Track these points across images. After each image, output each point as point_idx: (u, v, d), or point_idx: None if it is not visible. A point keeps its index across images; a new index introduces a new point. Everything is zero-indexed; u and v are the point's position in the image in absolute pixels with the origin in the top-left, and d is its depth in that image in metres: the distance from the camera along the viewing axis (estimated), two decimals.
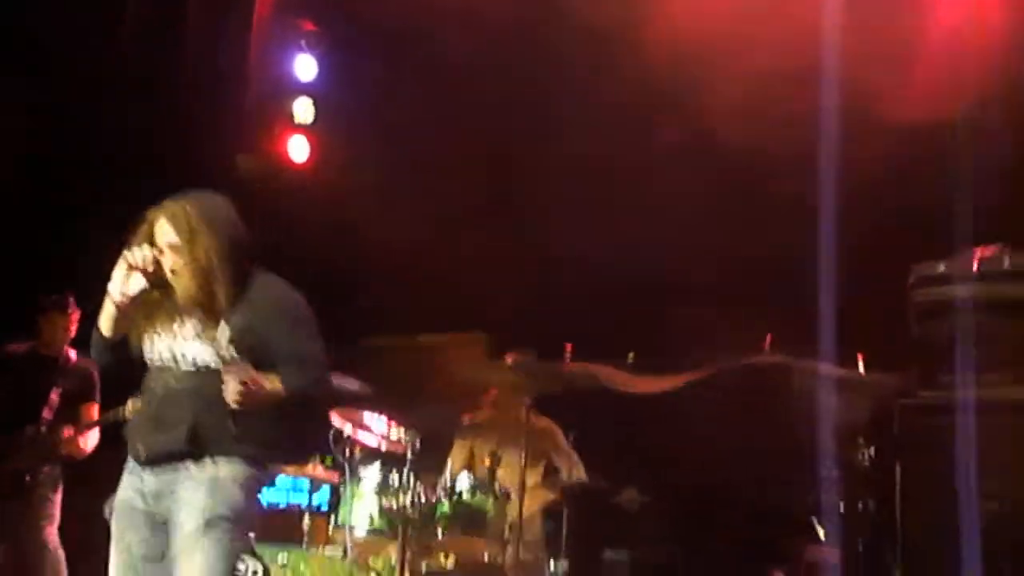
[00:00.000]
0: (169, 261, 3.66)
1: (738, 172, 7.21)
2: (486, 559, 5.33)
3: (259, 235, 3.92)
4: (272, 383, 3.61)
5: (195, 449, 3.58)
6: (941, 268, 5.08)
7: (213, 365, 3.62)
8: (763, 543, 6.34)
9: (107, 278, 3.68)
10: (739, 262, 7.11)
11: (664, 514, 6.46)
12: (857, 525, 6.12)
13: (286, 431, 3.80)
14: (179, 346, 3.68)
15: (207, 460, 3.58)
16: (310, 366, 3.71)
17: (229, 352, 3.62)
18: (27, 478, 5.97)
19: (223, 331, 3.64)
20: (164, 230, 3.68)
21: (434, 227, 7.99)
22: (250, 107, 9.03)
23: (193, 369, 3.65)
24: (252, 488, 3.69)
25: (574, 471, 5.99)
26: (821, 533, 6.23)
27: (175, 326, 3.70)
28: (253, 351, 3.64)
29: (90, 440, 6.19)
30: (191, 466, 3.58)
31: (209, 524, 3.53)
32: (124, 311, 3.68)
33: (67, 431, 6.09)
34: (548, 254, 7.75)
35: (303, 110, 9.14)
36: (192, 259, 3.65)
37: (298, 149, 9.21)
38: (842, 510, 6.19)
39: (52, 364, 6.29)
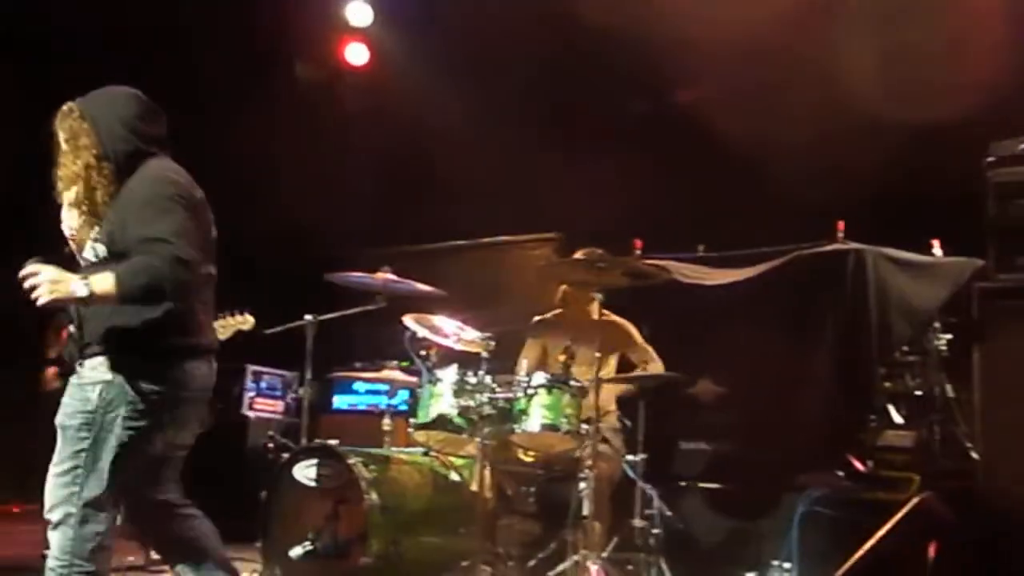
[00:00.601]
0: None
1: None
2: (564, 453, 5.40)
3: (160, 127, 3.81)
4: (98, 282, 3.45)
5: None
6: (1021, 146, 4.94)
7: (92, 262, 3.61)
8: (838, 429, 6.34)
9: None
10: (804, 148, 7.00)
11: (739, 404, 6.47)
12: (933, 409, 6.11)
13: (135, 325, 3.58)
14: (87, 251, 3.67)
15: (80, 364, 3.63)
16: (151, 247, 3.47)
17: (98, 250, 3.60)
18: None
19: (102, 229, 3.61)
20: (57, 137, 3.66)
21: (497, 126, 7.95)
22: (305, 12, 8.99)
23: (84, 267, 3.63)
24: (105, 390, 3.56)
25: (650, 365, 6.02)
26: (897, 417, 6.23)
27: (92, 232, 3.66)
28: (115, 244, 3.56)
29: None
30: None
31: (63, 428, 3.57)
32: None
33: None
34: (612, 154, 7.68)
35: (358, 13, 9.09)
36: (74, 160, 3.61)
37: (356, 53, 9.18)
38: (918, 394, 6.18)
39: None
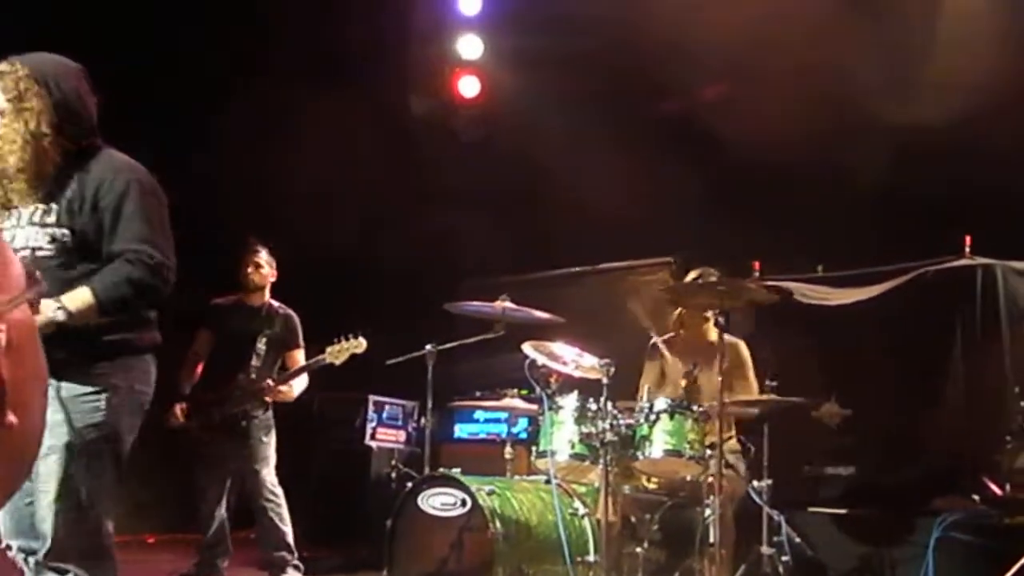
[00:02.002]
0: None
1: None
2: (688, 479, 5.34)
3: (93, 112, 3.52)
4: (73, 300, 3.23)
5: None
6: None
7: (48, 251, 3.34)
8: (972, 451, 6.14)
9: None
10: (927, 162, 6.84)
11: (866, 427, 6.31)
12: None
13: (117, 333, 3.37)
14: (19, 232, 3.37)
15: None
16: (137, 255, 3.30)
17: (56, 234, 3.33)
18: (242, 423, 6.27)
19: (52, 211, 3.34)
20: None
21: (607, 153, 7.95)
22: (416, 46, 9.16)
23: (29, 255, 3.32)
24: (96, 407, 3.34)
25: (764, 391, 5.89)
26: None
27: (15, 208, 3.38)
28: (84, 232, 3.34)
29: (297, 385, 6.45)
30: None
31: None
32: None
33: (270, 381, 6.33)
34: (730, 174, 7.62)
35: (469, 46, 9.21)
36: (19, 124, 3.32)
37: (468, 85, 9.30)
38: None
39: (256, 313, 6.57)
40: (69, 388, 3.29)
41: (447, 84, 9.35)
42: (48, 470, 3.23)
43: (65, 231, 3.33)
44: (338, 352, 6.23)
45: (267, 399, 6.37)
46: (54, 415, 3.19)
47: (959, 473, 6.08)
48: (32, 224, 3.34)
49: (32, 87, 3.35)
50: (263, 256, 6.55)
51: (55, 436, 3.22)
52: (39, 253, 3.33)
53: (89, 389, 3.31)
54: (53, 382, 3.18)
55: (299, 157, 8.02)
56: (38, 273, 2.93)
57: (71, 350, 3.24)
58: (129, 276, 3.30)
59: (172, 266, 3.38)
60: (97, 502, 3.29)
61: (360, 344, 6.21)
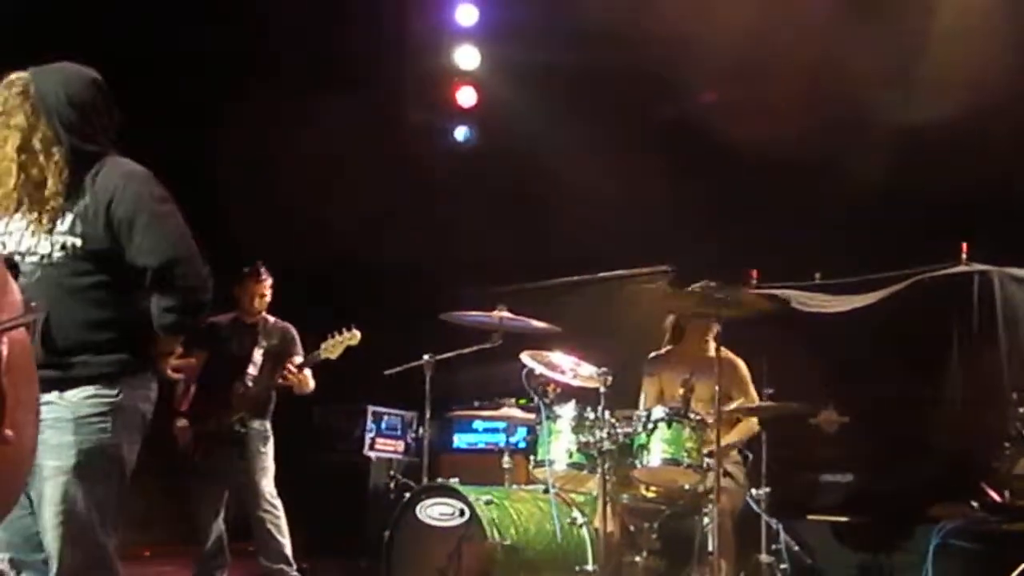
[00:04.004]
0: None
1: None
2: (686, 488, 5.33)
3: (112, 120, 3.48)
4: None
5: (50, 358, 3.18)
6: None
7: (58, 259, 3.29)
8: (970, 458, 6.14)
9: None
10: (923, 168, 6.86)
11: (864, 434, 6.32)
12: None
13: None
14: (13, 238, 3.32)
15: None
16: (173, 273, 3.29)
17: (70, 242, 3.28)
18: (240, 433, 6.27)
19: (66, 219, 3.29)
20: None
21: (605, 161, 7.97)
22: (414, 57, 9.18)
23: (37, 262, 3.28)
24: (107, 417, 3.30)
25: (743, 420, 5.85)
26: None
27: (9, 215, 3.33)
28: (96, 241, 3.29)
29: (310, 379, 6.45)
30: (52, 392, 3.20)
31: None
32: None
33: (291, 365, 6.33)
34: (727, 182, 7.63)
35: (466, 57, 9.23)
36: (17, 137, 3.28)
37: (466, 95, 9.32)
38: None
39: (252, 329, 6.58)
40: (76, 409, 3.25)
41: (445, 94, 9.36)
42: (55, 492, 3.20)
43: (77, 240, 3.28)
44: (333, 346, 6.23)
45: (269, 407, 6.39)
46: (62, 437, 3.18)
47: (957, 480, 6.08)
48: (40, 232, 3.29)
49: (19, 103, 3.31)
50: (268, 284, 6.57)
51: (62, 458, 3.19)
52: (47, 260, 3.29)
53: (97, 411, 3.27)
54: (59, 402, 3.20)
55: (296, 165, 8.03)
56: (33, 303, 2.86)
57: (77, 370, 3.23)
58: (184, 301, 3.32)
59: (203, 273, 3.36)
60: (103, 523, 3.26)
61: (354, 336, 6.20)
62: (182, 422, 6.35)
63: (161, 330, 3.35)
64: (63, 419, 3.20)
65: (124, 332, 3.34)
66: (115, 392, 3.29)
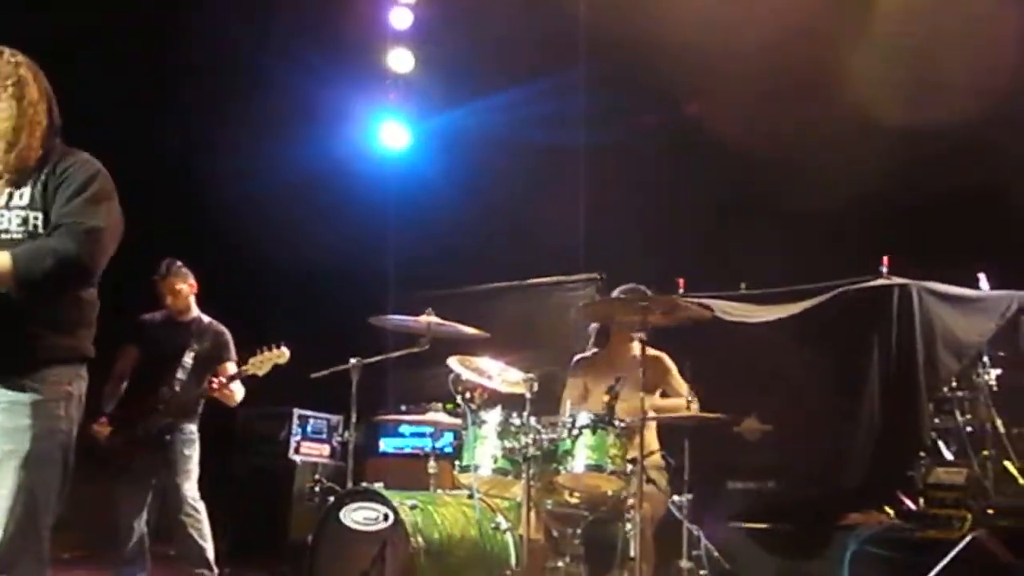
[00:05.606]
0: None
1: None
2: (609, 494, 5.37)
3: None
4: None
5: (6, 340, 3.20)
6: None
7: (17, 233, 3.30)
8: (887, 467, 6.27)
9: None
10: (847, 183, 6.99)
11: (785, 442, 6.41)
12: (984, 445, 6.03)
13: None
14: None
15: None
16: (71, 228, 3.23)
17: (31, 216, 3.29)
18: (166, 436, 6.19)
19: (25, 194, 3.33)
20: None
21: (535, 167, 8.01)
22: (347, 59, 9.15)
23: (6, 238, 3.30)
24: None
25: (683, 401, 5.92)
26: (947, 453, 6.15)
27: None
28: (44, 217, 3.30)
29: (238, 392, 6.38)
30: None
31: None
32: None
33: (221, 377, 6.26)
34: (656, 195, 7.71)
35: (399, 60, 9.24)
36: (17, 106, 3.32)
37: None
38: (969, 430, 6.10)
39: (184, 328, 6.48)
40: (33, 395, 3.23)
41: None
42: (5, 475, 3.18)
43: (38, 214, 3.29)
44: (260, 363, 6.17)
45: (197, 410, 6.31)
46: (18, 420, 3.19)
47: (875, 488, 6.20)
48: (2, 206, 3.31)
49: (34, 78, 3.37)
50: (181, 281, 6.47)
51: (16, 441, 3.19)
52: (5, 236, 3.28)
53: (52, 396, 3.26)
54: (12, 388, 3.20)
55: (224, 169, 7.96)
56: None
57: (32, 354, 3.23)
58: (55, 247, 3.20)
59: (104, 244, 3.28)
60: (47, 510, 3.26)
61: (283, 354, 6.16)
62: (104, 425, 6.22)
63: (25, 269, 3.15)
64: (20, 403, 3.20)
65: (80, 317, 3.35)
66: (65, 380, 3.30)
